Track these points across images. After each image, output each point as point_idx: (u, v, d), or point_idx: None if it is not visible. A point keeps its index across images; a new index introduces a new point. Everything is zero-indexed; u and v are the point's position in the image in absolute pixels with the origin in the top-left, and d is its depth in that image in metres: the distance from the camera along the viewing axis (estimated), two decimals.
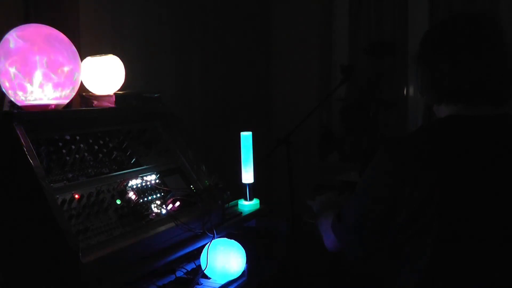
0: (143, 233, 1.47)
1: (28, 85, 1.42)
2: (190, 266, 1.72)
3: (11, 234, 1.33)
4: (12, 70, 1.41)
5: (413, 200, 1.10)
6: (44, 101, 1.46)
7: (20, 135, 1.30)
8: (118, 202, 1.50)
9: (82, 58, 1.70)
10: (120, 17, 2.37)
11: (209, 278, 1.67)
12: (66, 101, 1.54)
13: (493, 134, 1.14)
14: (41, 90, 1.43)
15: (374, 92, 3.15)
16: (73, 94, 1.55)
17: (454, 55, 1.15)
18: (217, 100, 3.11)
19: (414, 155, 1.13)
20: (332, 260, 2.73)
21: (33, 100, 1.45)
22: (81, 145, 1.51)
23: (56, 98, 1.47)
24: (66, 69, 1.47)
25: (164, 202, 1.61)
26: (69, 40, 1.53)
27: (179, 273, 1.68)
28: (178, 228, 1.57)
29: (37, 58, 1.41)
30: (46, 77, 1.42)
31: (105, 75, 1.77)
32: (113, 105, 1.74)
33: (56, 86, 1.45)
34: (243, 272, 1.70)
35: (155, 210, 1.57)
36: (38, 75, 1.41)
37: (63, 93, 1.48)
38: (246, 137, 2.08)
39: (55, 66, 1.44)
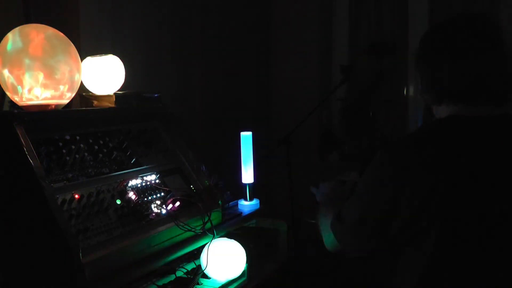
0: (143, 233, 1.47)
1: (23, 85, 1.42)
2: (190, 266, 1.72)
3: (11, 234, 1.33)
4: (9, 70, 1.41)
5: (414, 201, 1.10)
6: (43, 101, 1.46)
7: (20, 135, 1.30)
8: (118, 202, 1.50)
9: (82, 58, 1.70)
10: (120, 17, 2.37)
11: (209, 278, 1.67)
12: (66, 101, 1.54)
13: (493, 135, 1.14)
14: (34, 91, 1.43)
15: (374, 92, 3.15)
16: (73, 94, 1.55)
17: (454, 55, 1.15)
18: (217, 100, 3.10)
19: (414, 156, 1.13)
20: (332, 260, 2.73)
21: (31, 100, 1.45)
22: (81, 145, 1.51)
23: (52, 98, 1.47)
24: (62, 69, 1.47)
25: (164, 202, 1.61)
26: (68, 40, 1.53)
27: (179, 273, 1.68)
28: (178, 228, 1.57)
29: (32, 58, 1.41)
30: (39, 77, 1.42)
31: (105, 75, 1.77)
32: (113, 105, 1.74)
33: (51, 86, 1.45)
34: (243, 272, 1.70)
35: (155, 210, 1.57)
36: (31, 76, 1.41)
37: (57, 93, 1.48)
38: (246, 137, 2.08)
39: (51, 66, 1.44)
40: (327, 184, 1.63)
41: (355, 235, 1.24)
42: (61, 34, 1.51)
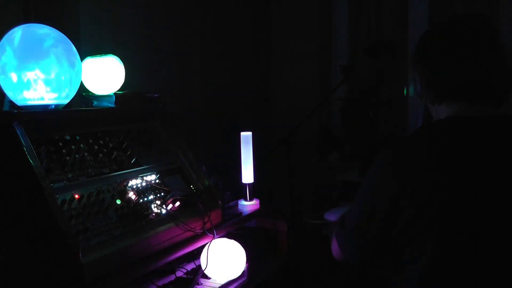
0: (143, 233, 1.47)
1: (23, 86, 1.42)
2: (190, 266, 1.72)
3: (11, 234, 1.33)
4: (9, 70, 1.41)
5: (415, 202, 1.10)
6: (43, 101, 1.46)
7: (20, 135, 1.30)
8: (118, 202, 1.50)
9: (82, 58, 1.70)
10: (120, 17, 2.37)
11: (209, 278, 1.67)
12: (66, 101, 1.54)
13: (493, 135, 1.14)
14: (35, 91, 1.43)
15: (374, 92, 3.15)
16: (73, 94, 1.55)
17: (454, 55, 1.15)
18: (217, 100, 3.11)
19: (415, 157, 1.13)
20: (332, 260, 2.73)
21: (32, 100, 1.45)
22: (81, 145, 1.51)
23: (53, 99, 1.47)
24: (61, 69, 1.47)
25: (164, 202, 1.61)
26: (68, 40, 1.52)
27: (179, 273, 1.68)
28: (178, 228, 1.57)
29: (32, 58, 1.41)
30: (39, 77, 1.42)
31: (105, 75, 1.77)
32: (113, 105, 1.74)
33: (51, 87, 1.45)
34: (243, 272, 1.70)
35: (155, 210, 1.57)
36: (32, 76, 1.41)
37: (59, 94, 1.48)
38: (246, 137, 2.08)
39: (51, 67, 1.44)
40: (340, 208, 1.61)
41: (356, 238, 1.23)
42: (61, 34, 1.51)
